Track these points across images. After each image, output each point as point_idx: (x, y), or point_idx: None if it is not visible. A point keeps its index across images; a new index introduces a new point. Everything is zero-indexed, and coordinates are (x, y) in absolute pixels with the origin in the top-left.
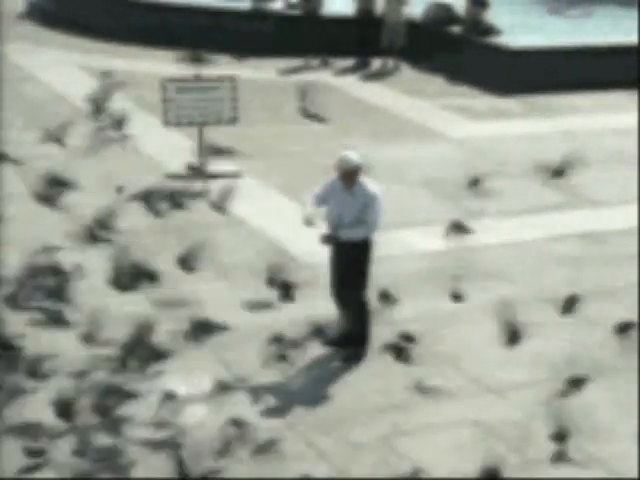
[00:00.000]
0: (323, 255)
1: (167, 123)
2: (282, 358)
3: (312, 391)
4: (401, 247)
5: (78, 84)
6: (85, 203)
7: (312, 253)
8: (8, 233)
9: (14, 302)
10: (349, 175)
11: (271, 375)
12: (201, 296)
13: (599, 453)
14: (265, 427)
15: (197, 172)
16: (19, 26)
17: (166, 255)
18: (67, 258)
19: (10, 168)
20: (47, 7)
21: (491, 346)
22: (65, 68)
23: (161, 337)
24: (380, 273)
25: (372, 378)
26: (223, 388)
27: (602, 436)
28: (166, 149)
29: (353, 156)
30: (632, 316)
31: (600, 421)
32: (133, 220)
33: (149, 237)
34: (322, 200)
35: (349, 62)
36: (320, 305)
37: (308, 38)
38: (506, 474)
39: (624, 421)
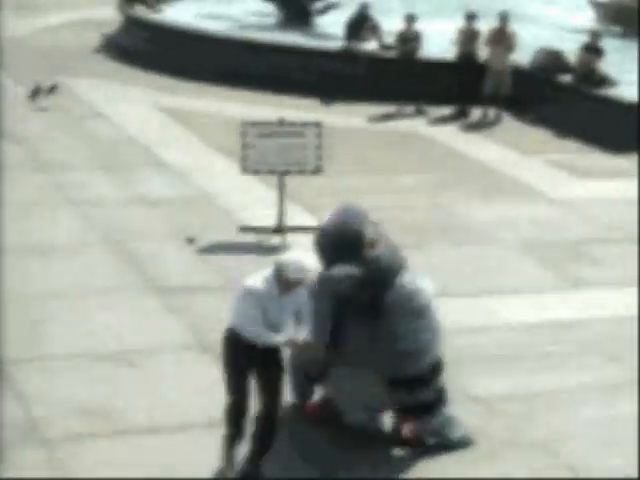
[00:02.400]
0: None
1: (246, 170)
2: None
3: None
4: (487, 316)
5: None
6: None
7: None
8: None
9: None
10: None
11: None
12: None
13: None
14: None
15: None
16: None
17: None
18: None
19: None
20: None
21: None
22: (140, 106)
23: None
24: (463, 344)
25: None
26: None
27: None
28: (243, 199)
29: (301, 264)
30: None
31: None
32: (201, 275)
33: (218, 295)
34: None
35: (447, 111)
36: None
37: (402, 83)
38: None
39: None
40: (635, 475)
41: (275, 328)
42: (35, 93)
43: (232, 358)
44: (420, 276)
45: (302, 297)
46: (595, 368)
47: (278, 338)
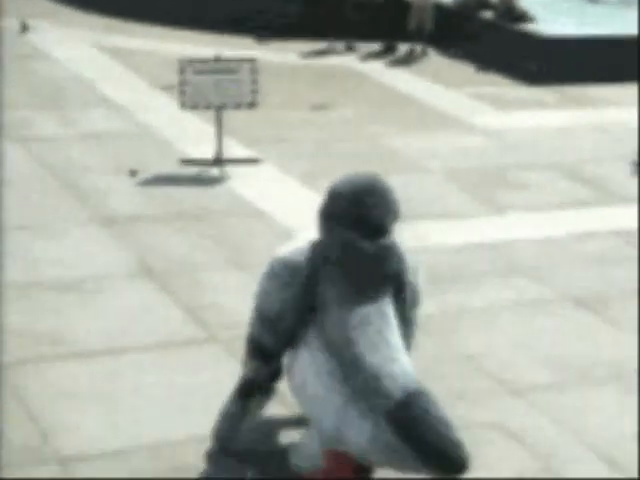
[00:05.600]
0: None
1: (184, 105)
2: None
3: None
4: (418, 240)
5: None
6: (100, 186)
7: None
8: None
9: None
10: None
11: None
12: (216, 285)
13: None
14: None
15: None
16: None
17: (180, 242)
18: None
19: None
20: None
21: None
22: (82, 46)
23: None
24: None
25: None
26: None
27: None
28: (183, 133)
29: None
30: None
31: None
32: (144, 206)
33: (165, 224)
34: None
35: (375, 47)
36: None
37: (334, 21)
38: None
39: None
40: None
41: None
42: None
43: None
44: None
45: None
46: (519, 287)
47: None
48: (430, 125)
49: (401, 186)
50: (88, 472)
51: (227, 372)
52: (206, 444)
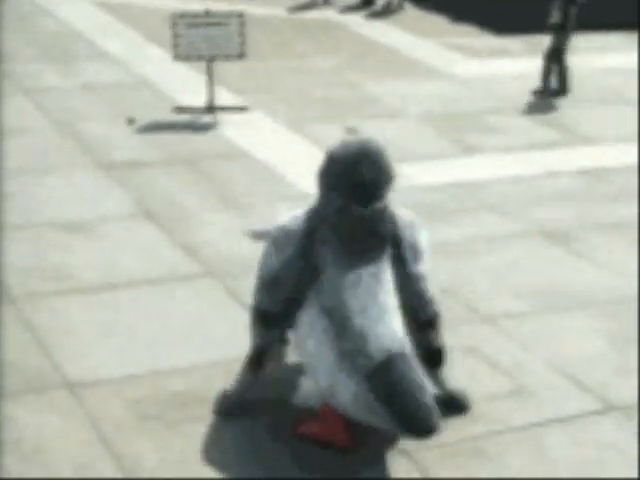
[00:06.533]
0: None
1: (177, 57)
2: None
3: None
4: (399, 181)
5: (94, 20)
6: (100, 134)
7: (310, 185)
8: None
9: None
10: None
11: None
12: (209, 224)
13: None
14: None
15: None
16: None
17: (176, 185)
18: None
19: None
20: None
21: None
22: (82, 3)
23: None
24: None
25: None
26: None
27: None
28: (176, 83)
29: None
30: (632, 251)
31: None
32: (141, 151)
33: (161, 168)
34: None
35: (354, 0)
36: None
37: None
38: None
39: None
40: None
41: None
42: None
43: None
44: None
45: None
46: (491, 223)
47: None
48: (407, 73)
49: (379, 130)
50: (94, 397)
51: (222, 304)
52: (205, 371)
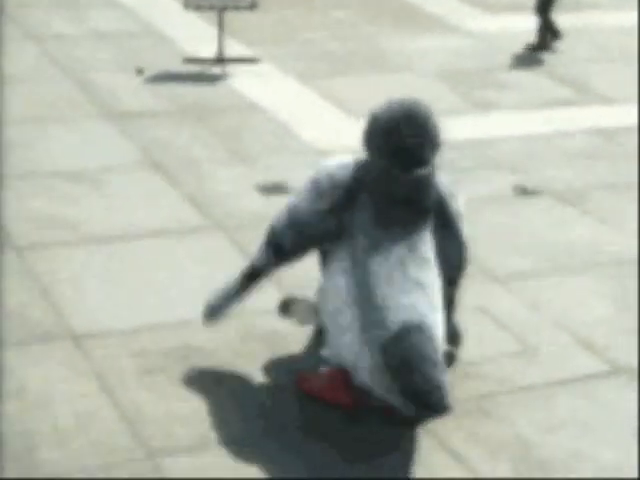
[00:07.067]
0: (331, 141)
1: (187, 6)
2: None
3: None
4: None
5: None
6: (108, 83)
7: (320, 139)
8: None
9: None
10: None
11: None
12: (217, 176)
13: None
14: None
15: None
16: None
17: (184, 136)
18: None
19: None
20: None
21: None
22: None
23: None
24: None
25: None
26: None
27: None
28: (186, 33)
29: None
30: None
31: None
32: (150, 102)
33: (170, 119)
34: None
35: None
36: None
37: None
38: None
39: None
40: None
41: None
42: None
43: None
44: None
45: None
46: (499, 180)
47: None
48: (422, 28)
49: (394, 85)
50: (99, 348)
51: (231, 257)
52: (211, 325)
